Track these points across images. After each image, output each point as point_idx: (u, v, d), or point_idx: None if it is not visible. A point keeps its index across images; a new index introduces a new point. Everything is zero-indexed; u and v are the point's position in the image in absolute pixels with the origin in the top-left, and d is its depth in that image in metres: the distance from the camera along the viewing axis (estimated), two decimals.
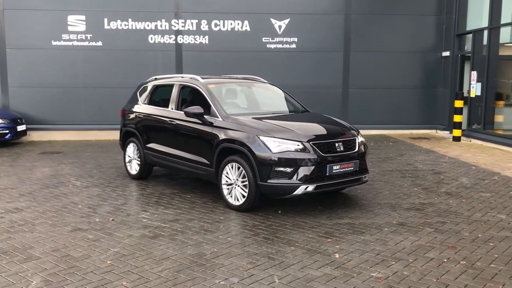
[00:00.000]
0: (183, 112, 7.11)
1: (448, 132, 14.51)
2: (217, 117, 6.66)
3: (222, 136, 6.46)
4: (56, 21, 13.65)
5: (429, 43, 14.95)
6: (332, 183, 6.11)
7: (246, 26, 14.21)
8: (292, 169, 5.87)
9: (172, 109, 7.57)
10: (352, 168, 6.29)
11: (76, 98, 13.99)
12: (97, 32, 13.81)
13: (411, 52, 14.84)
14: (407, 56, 14.86)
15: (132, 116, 8.49)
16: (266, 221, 5.91)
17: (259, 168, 5.94)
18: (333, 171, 6.07)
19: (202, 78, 7.44)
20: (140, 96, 8.61)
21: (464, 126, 13.45)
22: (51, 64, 13.76)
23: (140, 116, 8.28)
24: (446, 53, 14.68)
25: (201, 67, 13.50)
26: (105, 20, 13.79)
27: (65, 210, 6.48)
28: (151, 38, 13.98)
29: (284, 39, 14.40)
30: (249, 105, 7.64)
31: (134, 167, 8.48)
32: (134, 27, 13.90)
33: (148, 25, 13.94)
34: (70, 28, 13.74)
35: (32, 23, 13.60)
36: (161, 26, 13.98)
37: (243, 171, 6.14)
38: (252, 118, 6.60)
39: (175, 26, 14.03)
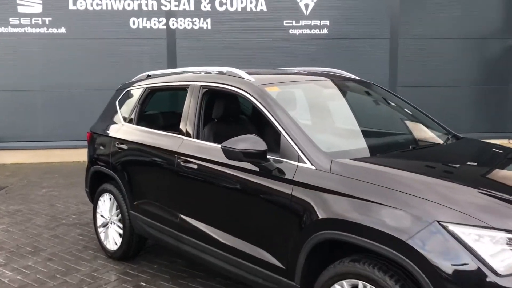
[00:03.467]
0: (218, 146, 3.33)
1: None
2: (303, 162, 2.93)
3: (320, 212, 2.71)
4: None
5: (496, 26, 11.82)
6: None
7: (261, 5, 11.01)
8: None
9: (187, 135, 3.81)
10: None
11: (32, 105, 10.63)
12: (58, 15, 10.48)
13: (473, 38, 11.70)
14: (468, 44, 11.72)
15: (107, 145, 4.72)
16: None
17: None
18: None
19: (249, 74, 3.66)
20: (120, 109, 4.85)
21: None
22: None
23: (122, 146, 4.52)
24: None
25: (201, 60, 10.19)
26: None
27: None
28: (134, 22, 10.69)
29: (313, 22, 11.24)
30: (352, 129, 3.79)
31: (112, 238, 4.71)
32: (109, 7, 10.58)
33: (129, 5, 10.62)
34: (20, 9, 10.40)
35: None
36: (146, 5, 10.70)
37: None
38: (371, 159, 2.95)
39: (166, 6, 10.72)
